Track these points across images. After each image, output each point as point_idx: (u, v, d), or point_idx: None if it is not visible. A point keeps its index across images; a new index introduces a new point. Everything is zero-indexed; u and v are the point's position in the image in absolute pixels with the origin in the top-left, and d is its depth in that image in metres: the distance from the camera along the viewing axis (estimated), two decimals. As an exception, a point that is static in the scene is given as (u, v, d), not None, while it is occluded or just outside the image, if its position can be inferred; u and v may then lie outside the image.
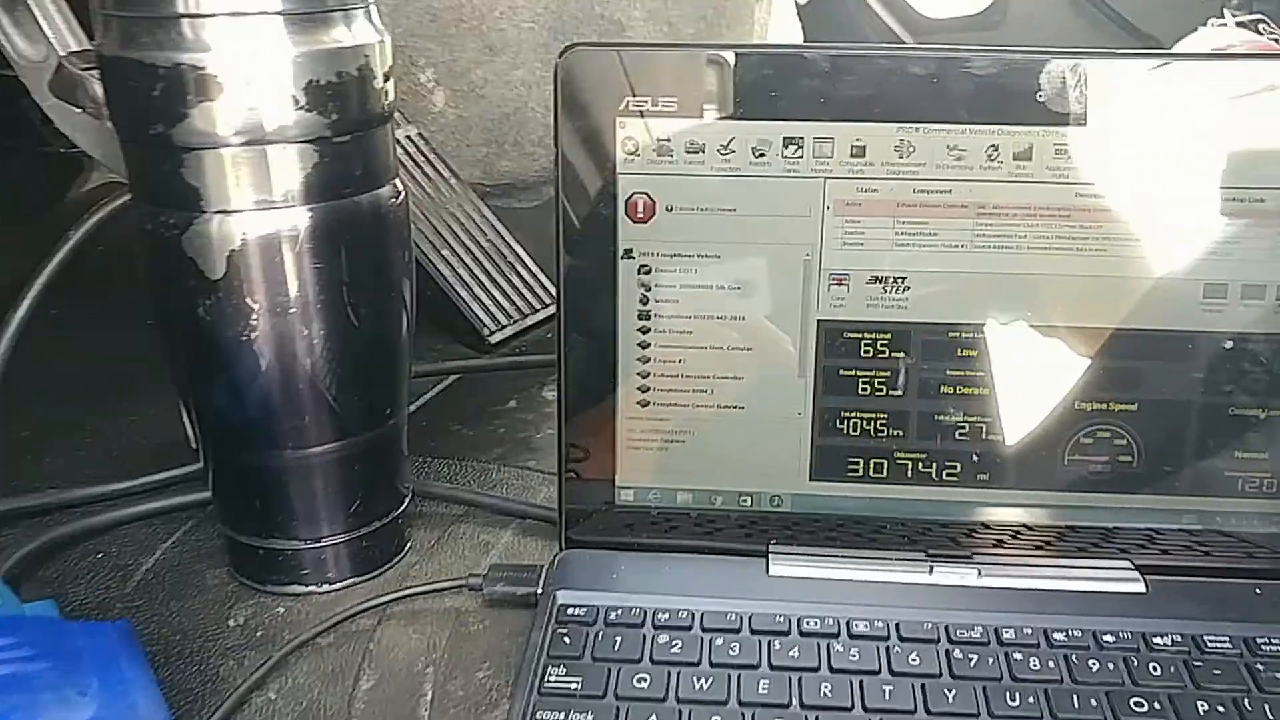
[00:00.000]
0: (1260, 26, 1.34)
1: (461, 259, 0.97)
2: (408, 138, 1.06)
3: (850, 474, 0.54)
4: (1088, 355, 0.52)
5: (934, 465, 0.53)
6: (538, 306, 0.98)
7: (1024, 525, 0.53)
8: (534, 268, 1.01)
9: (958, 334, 0.52)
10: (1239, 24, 1.45)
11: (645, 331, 0.53)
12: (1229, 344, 0.51)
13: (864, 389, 0.53)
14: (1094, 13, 1.76)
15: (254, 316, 0.49)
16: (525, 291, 0.99)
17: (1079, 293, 0.51)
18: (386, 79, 0.53)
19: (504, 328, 0.94)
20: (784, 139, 0.50)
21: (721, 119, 0.50)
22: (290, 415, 0.52)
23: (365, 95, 0.51)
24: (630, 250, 0.53)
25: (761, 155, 0.51)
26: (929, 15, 1.76)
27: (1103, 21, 1.78)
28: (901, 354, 0.53)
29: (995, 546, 0.53)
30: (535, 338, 0.96)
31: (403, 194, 0.55)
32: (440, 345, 0.94)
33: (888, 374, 0.53)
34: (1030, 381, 0.52)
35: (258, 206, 0.48)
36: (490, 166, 1.15)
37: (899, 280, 0.51)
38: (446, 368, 0.86)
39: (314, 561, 0.55)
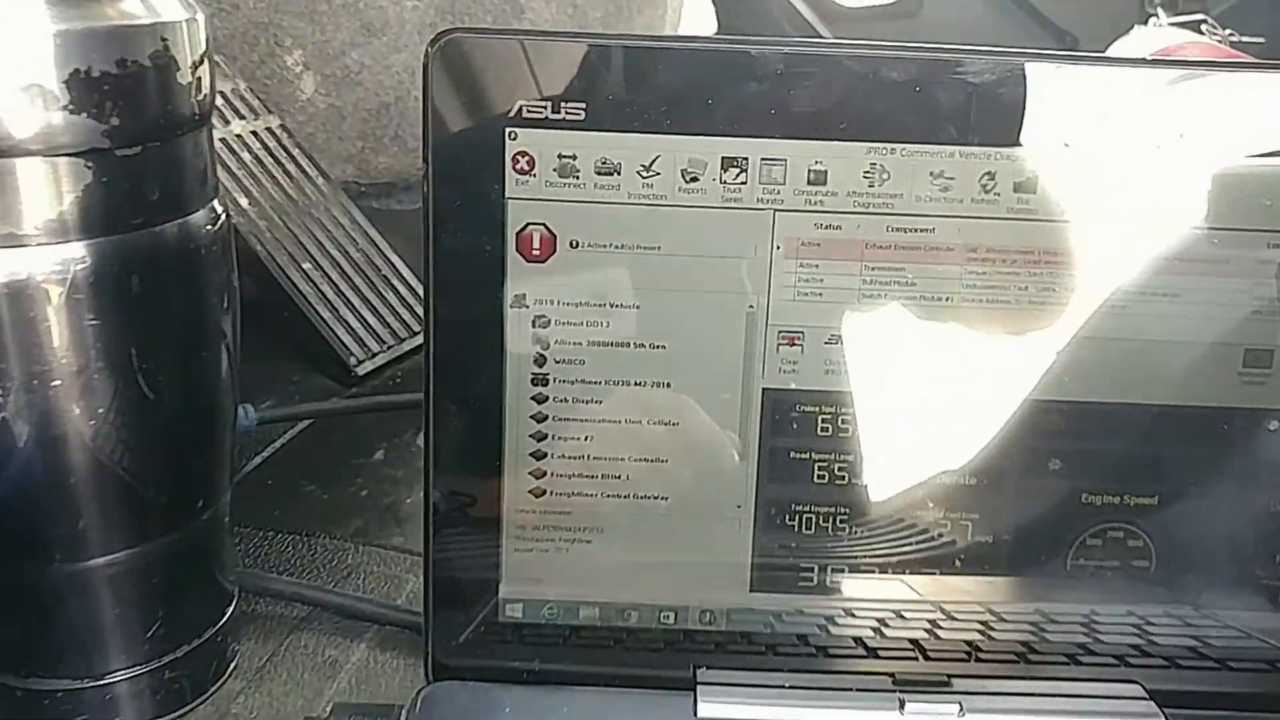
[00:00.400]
0: (1203, 27, 1.27)
1: (325, 273, 0.84)
2: (268, 130, 0.93)
3: (803, 583, 0.43)
4: (1100, 437, 0.42)
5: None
6: (416, 330, 0.86)
7: (1017, 646, 0.43)
8: (413, 283, 0.89)
9: (938, 408, 0.42)
10: (1176, 25, 1.39)
11: (541, 401, 0.42)
12: (1274, 425, 0.41)
13: (821, 476, 0.43)
14: (1011, 8, 1.71)
15: (2, 390, 0.36)
16: (401, 311, 0.87)
17: (1092, 360, 0.41)
18: (198, 68, 0.40)
19: (374, 355, 0.82)
20: (723, 159, 0.39)
21: (643, 132, 0.39)
22: (59, 518, 0.39)
23: (164, 91, 0.38)
24: (522, 297, 0.41)
25: (694, 179, 0.40)
26: (845, 4, 1.68)
27: (1020, 17, 1.73)
28: (868, 434, 0.42)
29: (981, 674, 0.43)
30: (413, 367, 0.84)
31: (222, 218, 0.43)
32: (297, 378, 0.81)
33: (851, 458, 0.42)
34: (1028, 470, 0.42)
35: (3, 244, 0.35)
36: (365, 163, 1.02)
37: (864, 341, 0.41)
38: (299, 411, 0.73)
39: (98, 705, 0.43)
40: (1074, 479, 0.43)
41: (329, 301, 0.82)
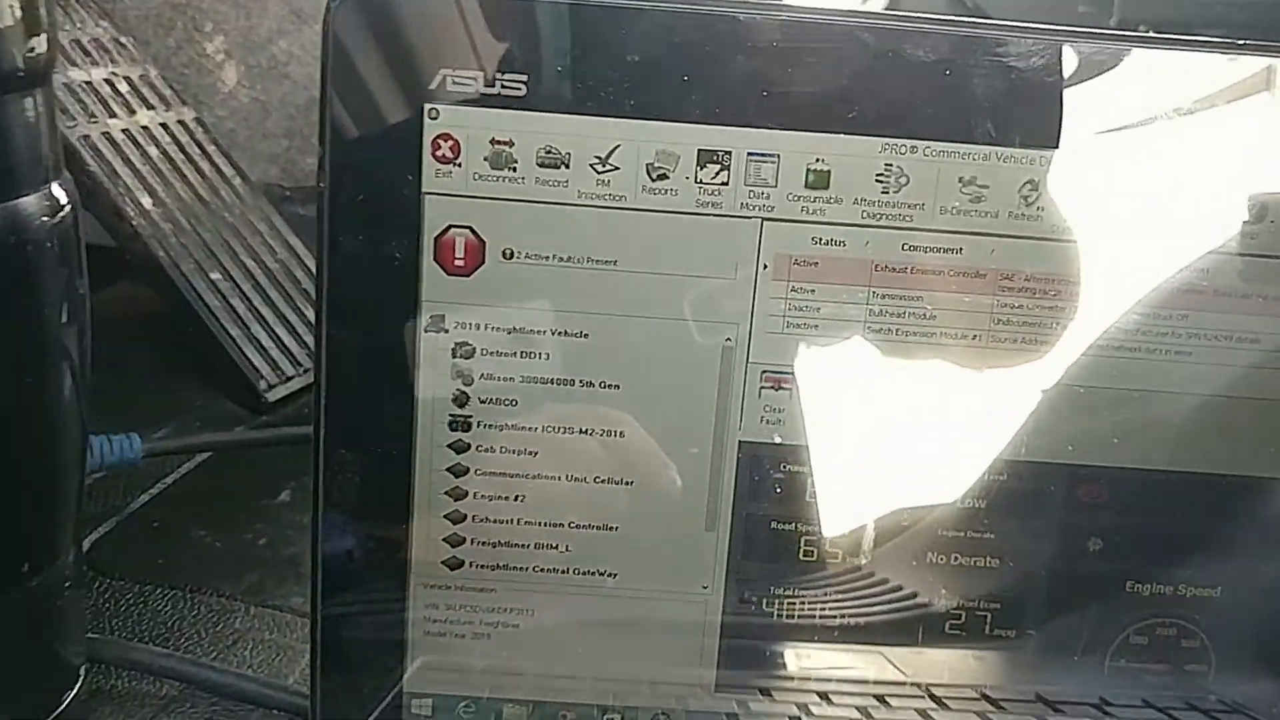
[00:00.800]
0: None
1: (237, 285, 0.75)
2: (181, 123, 0.84)
3: (780, 683, 0.35)
4: (1152, 512, 0.34)
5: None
6: (339, 353, 0.77)
7: (1044, 769, 0.35)
8: (338, 300, 0.79)
9: (958, 474, 0.34)
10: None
11: (461, 450, 0.34)
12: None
13: (808, 553, 0.35)
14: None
15: None
16: (323, 332, 0.77)
17: (1149, 418, 0.33)
18: (31, 13, 0.32)
19: (288, 380, 0.73)
20: (700, 153, 0.31)
21: (600, 115, 0.31)
22: None
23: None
24: (440, 319, 0.33)
25: (662, 177, 0.32)
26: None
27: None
28: (869, 501, 0.34)
29: (1000, 803, 0.35)
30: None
31: (66, 209, 0.34)
32: (200, 403, 0.72)
33: (847, 530, 0.34)
34: (1062, 549, 0.35)
35: None
36: (291, 164, 0.93)
37: (873, 386, 0.33)
38: (195, 443, 0.64)
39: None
40: (1118, 562, 0.35)
41: (239, 317, 0.73)
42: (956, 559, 0.35)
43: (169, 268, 0.74)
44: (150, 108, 0.81)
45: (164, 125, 0.82)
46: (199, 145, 0.83)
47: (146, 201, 0.75)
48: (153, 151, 0.79)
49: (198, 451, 0.66)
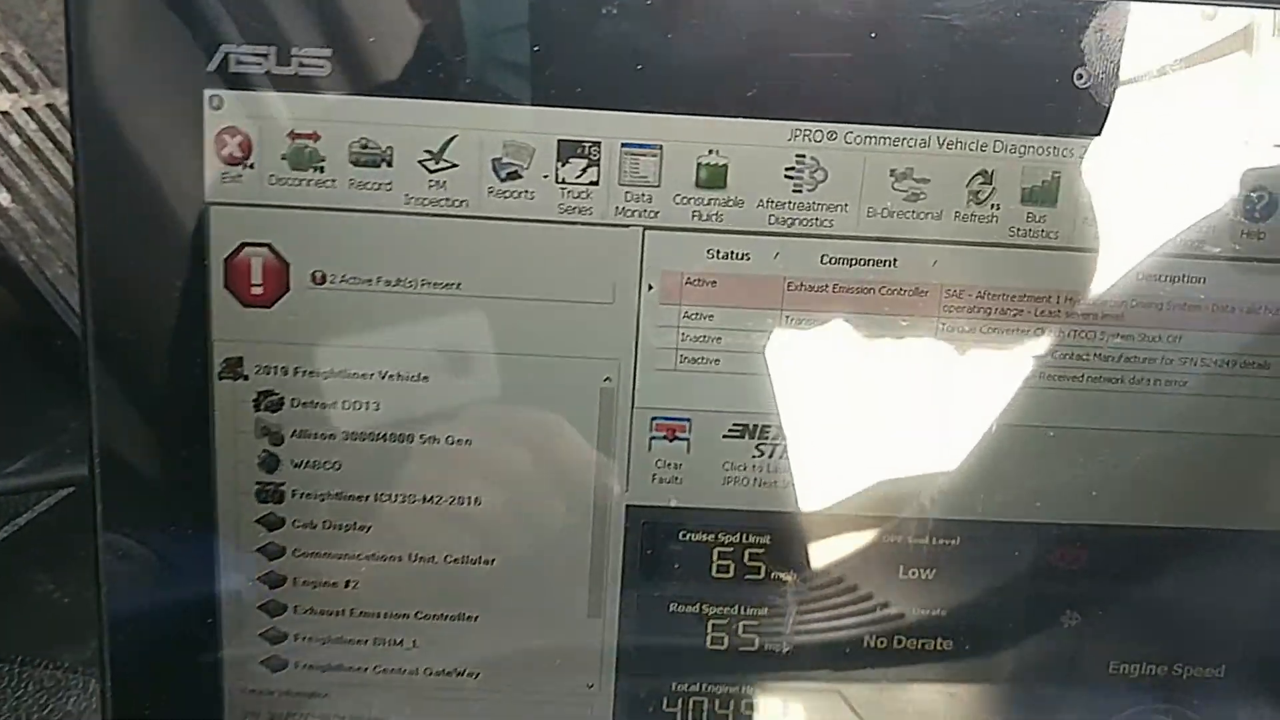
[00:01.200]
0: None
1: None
2: (50, 107, 0.76)
3: (686, 802, 0.29)
4: (1143, 579, 0.28)
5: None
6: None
7: None
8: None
9: (900, 541, 0.27)
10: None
11: (274, 525, 0.27)
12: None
13: (717, 640, 0.28)
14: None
15: None
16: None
17: (1138, 465, 0.27)
18: None
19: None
20: (560, 144, 0.25)
21: (429, 97, 0.24)
22: None
23: None
24: (237, 363, 0.26)
25: (514, 175, 0.25)
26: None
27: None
28: (790, 575, 0.28)
29: None
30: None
31: None
32: (75, 424, 0.65)
33: (764, 612, 0.28)
34: (1033, 627, 0.28)
35: None
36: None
37: (786, 433, 0.26)
38: (54, 478, 0.57)
39: None
40: (1099, 640, 0.29)
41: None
42: (900, 643, 0.29)
43: (31, 273, 0.66)
44: (12, 90, 0.73)
45: (29, 110, 0.74)
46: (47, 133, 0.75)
47: (4, 198, 0.68)
48: (14, 141, 0.71)
49: (60, 488, 0.59)
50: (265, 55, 0.25)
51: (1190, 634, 0.29)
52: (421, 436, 0.27)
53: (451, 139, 0.25)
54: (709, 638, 0.29)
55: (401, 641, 0.29)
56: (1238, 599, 0.29)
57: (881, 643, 0.29)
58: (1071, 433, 0.28)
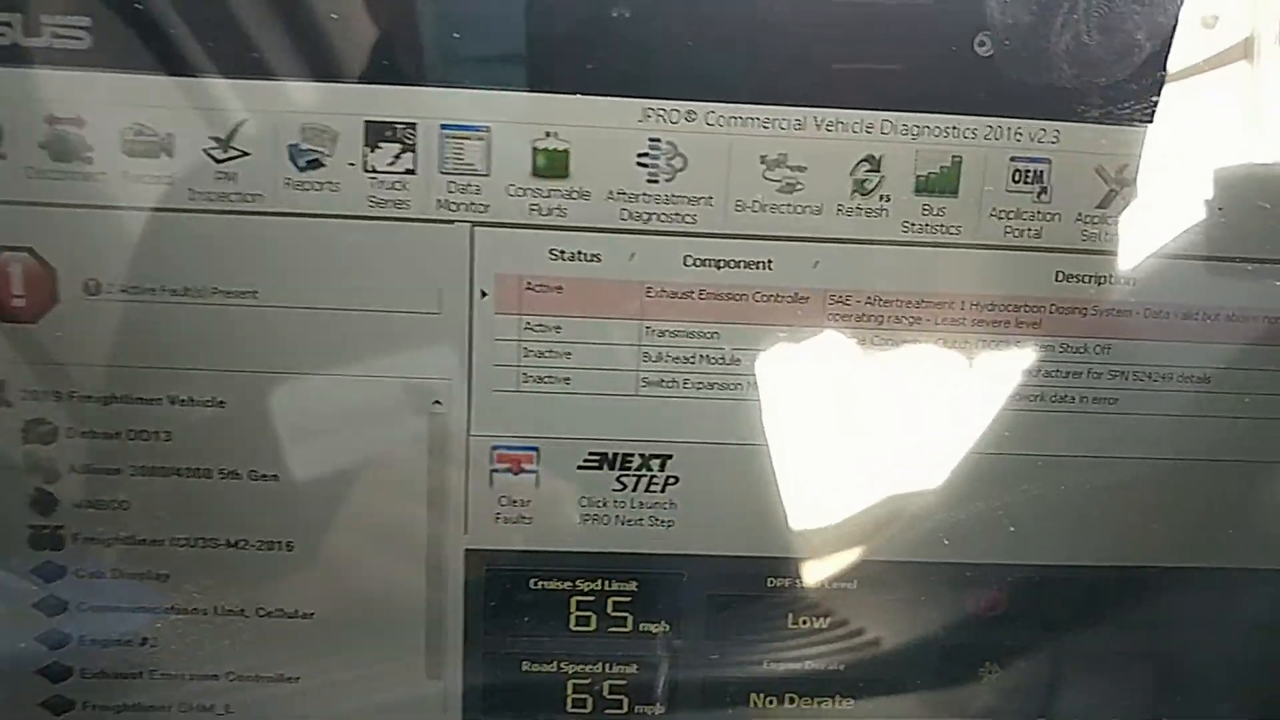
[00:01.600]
0: None
1: None
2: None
3: None
4: (1072, 626, 0.24)
5: None
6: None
7: None
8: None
9: (789, 585, 0.24)
10: None
11: (53, 576, 0.23)
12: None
13: (579, 703, 0.24)
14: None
15: None
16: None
17: (1064, 496, 0.24)
18: None
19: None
20: (368, 126, 0.21)
21: (210, 74, 0.21)
22: None
23: None
24: None
25: (315, 163, 0.21)
26: None
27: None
28: (662, 627, 0.24)
29: None
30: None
31: None
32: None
33: (633, 670, 0.24)
34: (944, 683, 0.25)
35: None
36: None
37: (653, 462, 0.23)
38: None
39: None
40: (1023, 697, 0.25)
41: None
42: (792, 703, 0.25)
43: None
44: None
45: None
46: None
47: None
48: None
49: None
50: (9, 24, 0.21)
51: (1128, 688, 0.26)
52: (221, 471, 0.23)
53: (241, 123, 0.22)
54: (569, 700, 0.25)
55: (211, 707, 0.25)
56: (1182, 647, 0.26)
57: (771, 703, 0.25)
58: (983, 459, 0.24)
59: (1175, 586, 0.25)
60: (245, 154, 0.22)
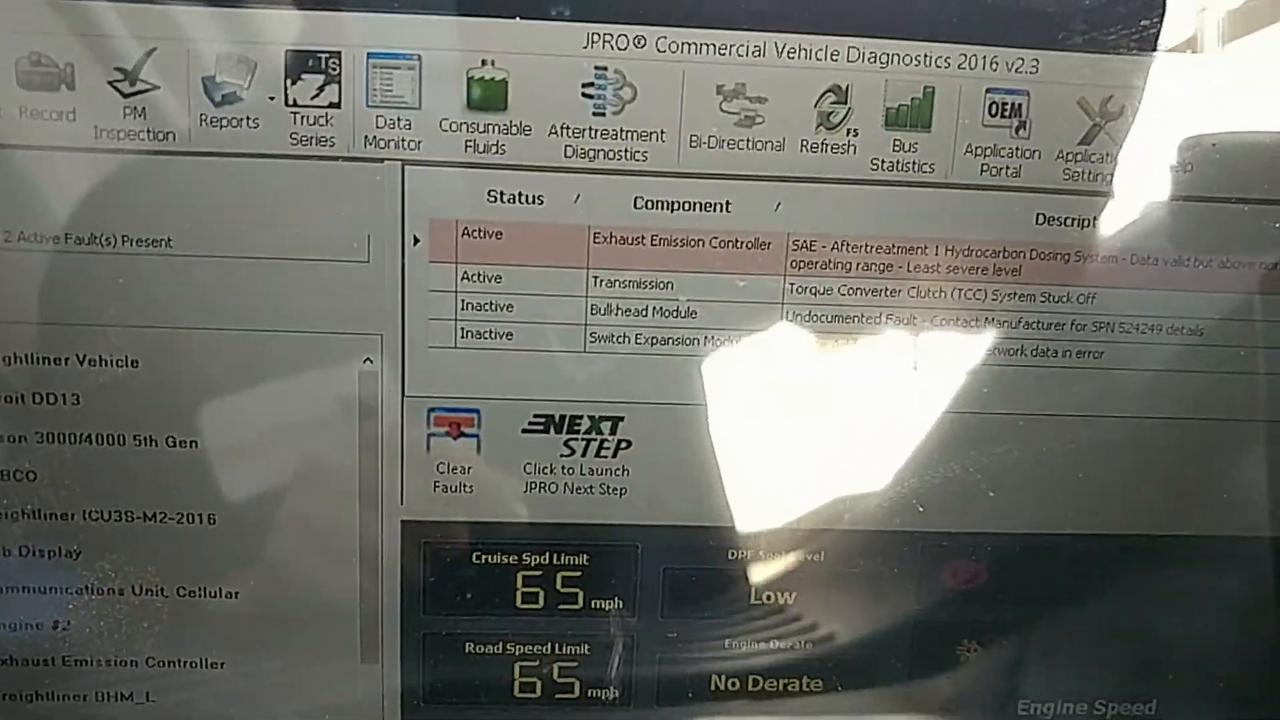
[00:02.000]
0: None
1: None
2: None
3: None
4: (1053, 599, 0.23)
5: None
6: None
7: None
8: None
9: (750, 557, 0.22)
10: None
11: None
12: None
13: (528, 686, 0.23)
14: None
15: None
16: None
17: (1045, 458, 0.22)
18: None
19: None
20: (289, 55, 0.19)
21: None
22: None
23: None
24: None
25: (231, 99, 0.19)
26: None
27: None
28: (615, 604, 0.22)
29: None
30: None
31: None
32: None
33: (584, 650, 0.22)
34: (920, 661, 0.23)
35: None
36: None
37: (604, 425, 0.21)
38: None
39: None
40: (1004, 676, 0.24)
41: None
42: (756, 685, 0.23)
43: None
44: None
45: None
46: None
47: None
48: None
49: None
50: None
51: (1114, 664, 0.24)
52: (135, 438, 0.22)
53: (150, 52, 0.20)
54: (517, 684, 0.23)
55: (130, 695, 0.23)
56: (1169, 620, 0.24)
57: (734, 684, 0.24)
58: (959, 419, 0.22)
59: (1164, 556, 0.24)
60: (154, 87, 0.20)
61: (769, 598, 0.23)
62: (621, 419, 0.22)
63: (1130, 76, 0.21)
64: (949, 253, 0.22)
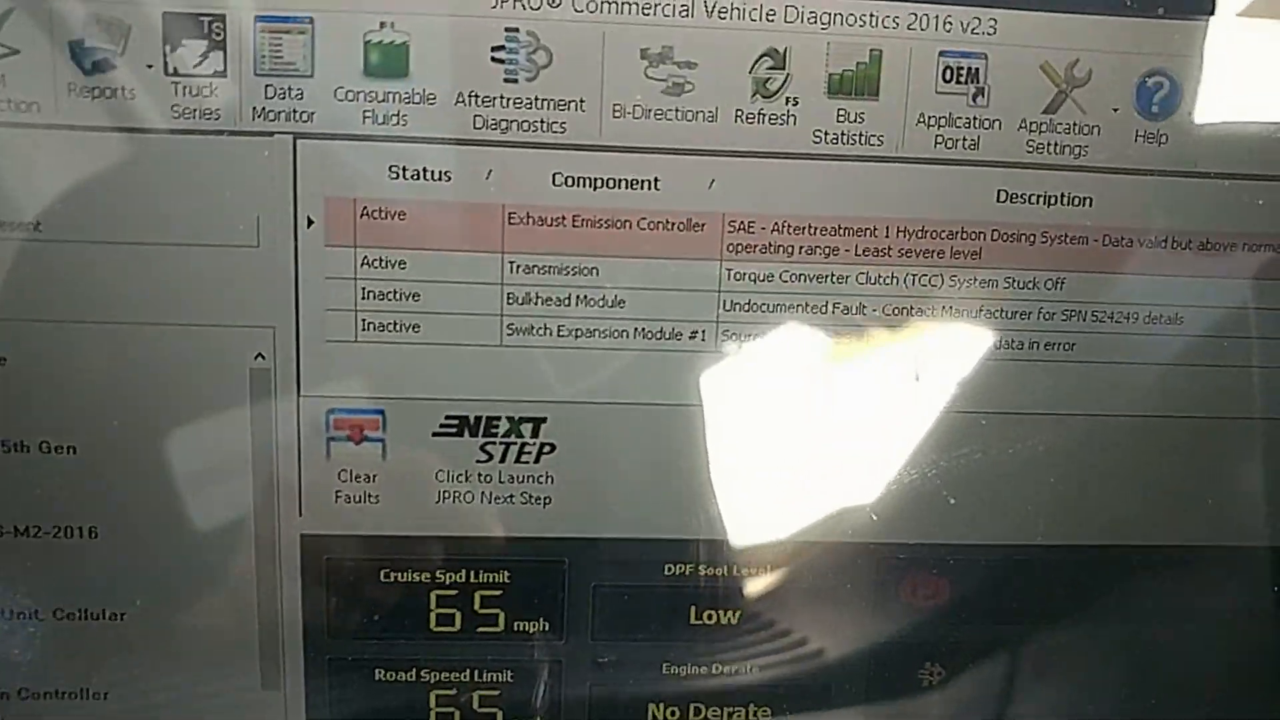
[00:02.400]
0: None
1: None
2: None
3: None
4: (1023, 617, 0.21)
5: None
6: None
7: None
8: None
9: (689, 573, 0.20)
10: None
11: None
12: None
13: (444, 716, 0.21)
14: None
15: None
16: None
17: (1014, 463, 0.20)
18: None
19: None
20: (168, 19, 0.18)
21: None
22: None
23: None
24: None
25: (103, 66, 0.18)
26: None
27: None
28: (540, 626, 0.20)
29: None
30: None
31: None
32: None
33: (507, 677, 0.20)
34: (883, 690, 0.21)
35: None
36: None
37: (524, 427, 0.19)
38: None
39: None
40: (970, 703, 0.22)
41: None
42: (698, 713, 0.21)
43: None
44: None
45: None
46: None
47: None
48: None
49: None
50: None
51: (1090, 688, 0.22)
52: (4, 443, 0.19)
53: (7, 14, 0.18)
54: (433, 714, 0.21)
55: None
56: (1149, 636, 0.22)
57: (673, 713, 0.22)
58: (917, 418, 0.20)
59: (1142, 569, 0.22)
60: (14, 51, 0.18)
61: (710, 617, 0.21)
62: (543, 420, 0.20)
63: (1098, 38, 0.19)
64: (901, 234, 0.20)
